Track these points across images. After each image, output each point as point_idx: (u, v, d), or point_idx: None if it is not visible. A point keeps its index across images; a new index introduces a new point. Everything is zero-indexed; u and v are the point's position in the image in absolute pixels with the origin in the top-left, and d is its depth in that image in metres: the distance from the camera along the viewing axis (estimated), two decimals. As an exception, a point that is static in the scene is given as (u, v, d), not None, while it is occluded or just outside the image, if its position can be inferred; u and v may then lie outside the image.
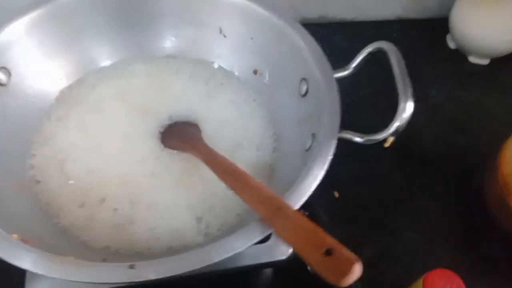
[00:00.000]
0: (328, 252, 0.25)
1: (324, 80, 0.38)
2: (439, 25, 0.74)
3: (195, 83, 0.48)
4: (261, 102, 0.47)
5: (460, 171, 0.55)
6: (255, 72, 0.47)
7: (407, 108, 0.34)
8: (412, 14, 0.78)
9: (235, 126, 0.45)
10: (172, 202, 0.41)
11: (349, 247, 0.46)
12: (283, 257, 0.44)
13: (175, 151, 0.43)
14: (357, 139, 0.35)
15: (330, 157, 0.33)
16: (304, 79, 0.40)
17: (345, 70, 0.41)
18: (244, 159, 0.43)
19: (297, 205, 0.31)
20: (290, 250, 0.45)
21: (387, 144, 0.34)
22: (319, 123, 0.36)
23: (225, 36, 0.48)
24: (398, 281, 0.44)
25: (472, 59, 0.72)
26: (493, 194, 0.46)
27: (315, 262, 0.25)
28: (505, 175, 0.43)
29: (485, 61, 0.72)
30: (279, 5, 0.45)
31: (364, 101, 0.63)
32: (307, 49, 0.41)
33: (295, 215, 0.29)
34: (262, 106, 0.47)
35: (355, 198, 0.51)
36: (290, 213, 0.29)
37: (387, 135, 0.34)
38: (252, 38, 0.46)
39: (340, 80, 0.50)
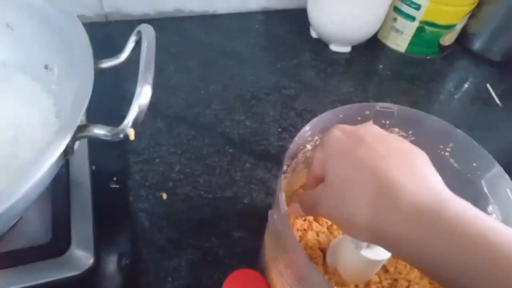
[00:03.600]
0: None
1: (83, 71, 0.34)
2: (302, 15, 0.72)
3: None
4: (46, 92, 0.43)
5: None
6: (45, 65, 0.42)
7: (144, 92, 0.30)
8: (276, 4, 0.76)
9: (14, 118, 0.40)
10: None
11: (171, 251, 0.43)
12: (86, 267, 0.40)
13: None
14: (100, 132, 0.31)
15: (56, 154, 0.28)
16: (76, 72, 0.36)
17: (114, 59, 0.37)
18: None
19: None
20: (91, 261, 0.41)
21: (131, 137, 0.30)
22: (66, 117, 0.31)
23: (12, 29, 0.43)
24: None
25: (333, 47, 0.71)
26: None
27: None
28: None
29: (346, 49, 0.71)
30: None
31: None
32: (77, 41, 0.37)
33: None
34: (47, 96, 0.42)
35: (184, 199, 0.47)
36: None
37: (128, 124, 0.30)
38: (36, 31, 0.42)
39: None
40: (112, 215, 0.45)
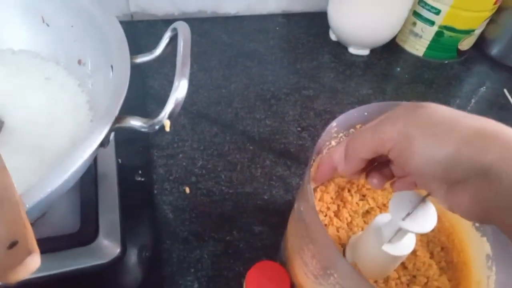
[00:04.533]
0: (12, 245, 0.21)
1: (120, 65, 0.35)
2: (322, 18, 0.73)
3: (10, 76, 0.44)
4: (81, 86, 0.44)
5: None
6: (79, 60, 0.44)
7: (181, 86, 0.31)
8: (297, 7, 0.78)
9: (49, 110, 0.42)
10: None
11: (194, 243, 0.44)
12: (108, 259, 0.41)
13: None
14: (137, 124, 0.32)
15: (95, 144, 0.30)
16: (112, 67, 0.37)
17: (149, 55, 0.39)
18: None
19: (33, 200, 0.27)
20: (118, 251, 0.42)
21: (167, 128, 0.31)
22: (102, 109, 0.33)
23: (47, 25, 0.45)
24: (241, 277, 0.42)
25: (352, 50, 0.72)
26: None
27: None
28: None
29: (365, 52, 0.72)
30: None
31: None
32: (112, 37, 0.38)
33: (9, 208, 0.25)
34: (85, 94, 0.44)
35: (207, 193, 0.48)
36: (7, 206, 0.26)
37: (164, 116, 0.31)
38: (72, 27, 0.43)
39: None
40: (137, 207, 0.46)
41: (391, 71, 0.70)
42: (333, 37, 0.74)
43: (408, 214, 0.31)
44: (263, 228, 0.46)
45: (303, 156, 0.53)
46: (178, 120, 0.56)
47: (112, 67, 0.38)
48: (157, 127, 0.31)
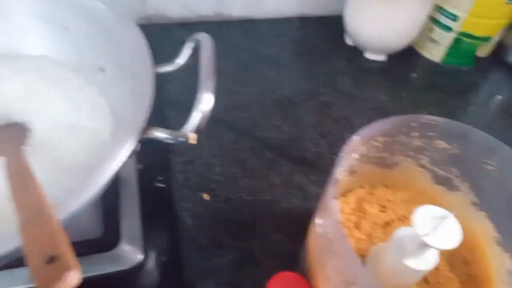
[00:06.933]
0: (51, 259, 0.22)
1: (143, 75, 0.36)
2: (338, 21, 0.73)
3: (31, 82, 0.45)
4: (101, 95, 0.45)
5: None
6: (100, 68, 0.44)
7: (205, 100, 0.31)
8: (311, 11, 0.78)
9: (70, 125, 0.42)
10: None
11: (213, 250, 0.45)
12: (133, 264, 0.42)
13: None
14: (162, 135, 0.32)
15: (124, 157, 0.30)
16: (132, 75, 0.38)
17: (171, 65, 0.39)
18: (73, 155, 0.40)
19: (74, 207, 0.28)
20: (141, 256, 0.43)
21: (193, 142, 0.31)
22: (127, 119, 0.33)
23: (67, 31, 0.45)
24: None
25: (368, 55, 0.71)
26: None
27: (34, 270, 0.22)
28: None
29: (381, 57, 0.72)
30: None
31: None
32: (133, 44, 0.39)
33: (46, 221, 0.26)
34: (103, 98, 0.44)
35: (227, 200, 0.49)
36: (44, 219, 0.26)
37: (189, 129, 0.31)
38: (91, 33, 0.44)
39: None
40: (157, 213, 0.47)
41: (408, 77, 0.70)
42: (349, 41, 0.73)
43: (432, 230, 0.31)
44: (282, 236, 0.46)
45: (321, 164, 0.53)
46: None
47: (133, 75, 0.38)
48: (181, 139, 0.32)
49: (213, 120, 0.58)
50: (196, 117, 0.31)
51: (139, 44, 0.40)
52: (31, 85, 0.43)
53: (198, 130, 0.31)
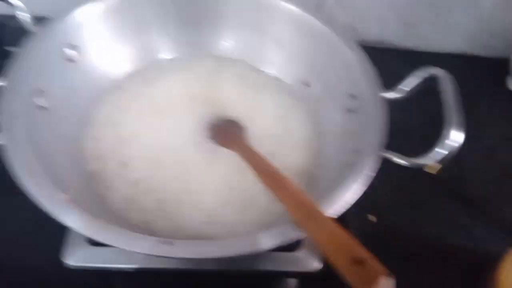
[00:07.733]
0: (358, 261, 0.25)
1: (372, 98, 0.38)
2: (501, 65, 0.71)
3: (245, 86, 0.49)
4: (308, 112, 0.48)
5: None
6: (306, 83, 0.48)
7: (452, 136, 0.33)
8: (475, 50, 0.76)
9: (278, 132, 0.46)
10: (214, 198, 0.42)
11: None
12: (309, 269, 0.44)
13: (223, 148, 0.44)
14: (401, 161, 0.34)
15: (371, 173, 0.33)
16: (352, 95, 0.40)
17: (396, 92, 0.41)
18: (283, 163, 0.43)
19: (333, 215, 0.31)
20: (319, 265, 0.44)
21: (433, 171, 0.33)
22: (363, 140, 0.36)
23: (281, 46, 0.49)
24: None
25: (533, 103, 0.69)
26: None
27: (344, 269, 0.25)
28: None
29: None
30: (338, 22, 0.46)
31: (413, 129, 0.61)
32: (358, 66, 0.41)
33: (328, 221, 0.29)
34: (308, 115, 0.48)
35: (392, 225, 0.50)
36: (324, 218, 0.29)
37: (430, 160, 0.33)
38: (307, 50, 0.47)
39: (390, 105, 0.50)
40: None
41: None
42: (511, 86, 0.71)
43: None
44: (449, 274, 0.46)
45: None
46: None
47: (354, 96, 0.41)
48: (421, 167, 0.33)
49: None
50: (442, 149, 0.33)
51: (361, 64, 0.42)
52: (249, 93, 0.48)
53: (443, 161, 0.33)
